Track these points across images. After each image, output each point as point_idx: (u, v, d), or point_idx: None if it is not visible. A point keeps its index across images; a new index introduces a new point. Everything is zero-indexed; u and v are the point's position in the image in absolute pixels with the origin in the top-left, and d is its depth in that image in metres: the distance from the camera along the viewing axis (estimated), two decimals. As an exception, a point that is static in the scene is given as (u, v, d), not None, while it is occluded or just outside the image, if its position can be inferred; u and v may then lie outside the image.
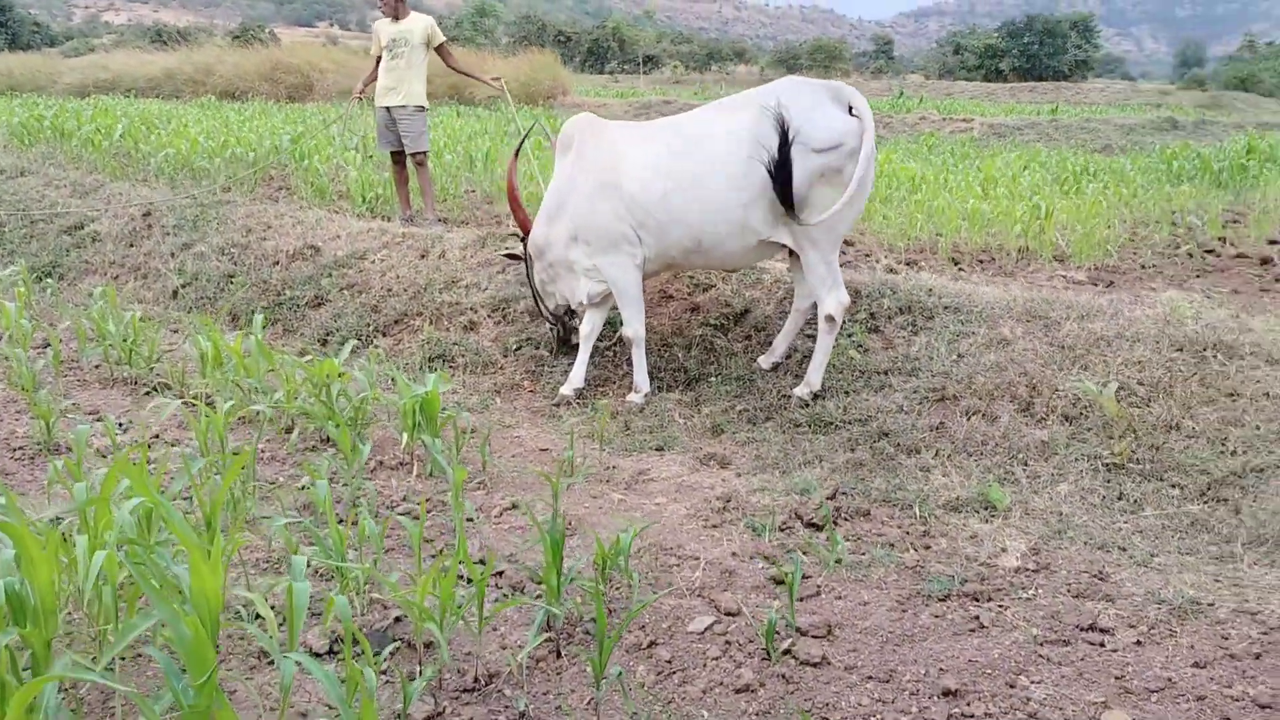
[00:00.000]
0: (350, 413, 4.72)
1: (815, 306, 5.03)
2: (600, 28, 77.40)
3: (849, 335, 5.27)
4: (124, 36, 63.03)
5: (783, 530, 3.75)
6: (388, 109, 7.94)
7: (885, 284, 5.57)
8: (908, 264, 7.02)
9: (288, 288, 6.95)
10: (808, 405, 4.87)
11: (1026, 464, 4.14)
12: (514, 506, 4.00)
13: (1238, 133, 21.86)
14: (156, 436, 4.81)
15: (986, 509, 3.87)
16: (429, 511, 3.91)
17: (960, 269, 6.94)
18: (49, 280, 7.86)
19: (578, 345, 5.51)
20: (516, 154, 5.86)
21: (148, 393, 5.51)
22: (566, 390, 5.41)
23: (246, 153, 10.30)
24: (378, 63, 7.99)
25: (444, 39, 8.00)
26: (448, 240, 7.13)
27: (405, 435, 4.41)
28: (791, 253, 5.03)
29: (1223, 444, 4.02)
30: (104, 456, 4.50)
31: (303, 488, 4.17)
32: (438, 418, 4.42)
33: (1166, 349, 4.61)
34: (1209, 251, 7.66)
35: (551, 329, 5.90)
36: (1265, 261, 7.40)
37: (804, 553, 3.54)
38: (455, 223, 8.50)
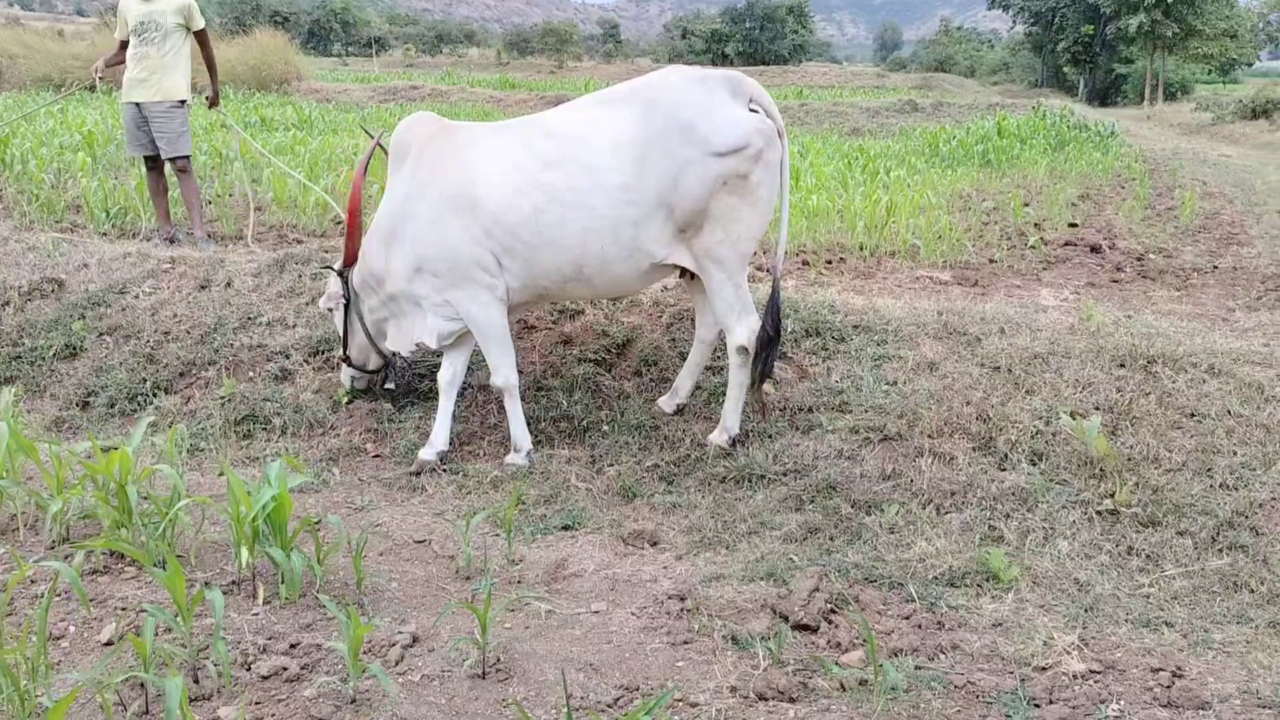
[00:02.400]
0: (154, 519, 3.55)
1: (720, 335, 4.33)
2: (321, 8, 73.73)
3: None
4: None
5: (764, 639, 3.01)
6: (137, 105, 6.49)
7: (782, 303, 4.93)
8: (759, 269, 6.45)
9: (26, 335, 5.44)
10: (729, 454, 4.15)
11: (1009, 517, 3.62)
12: (415, 641, 3.03)
13: (972, 113, 23.23)
14: None
15: (989, 580, 3.30)
16: (304, 668, 2.87)
17: (820, 273, 6.44)
18: None
19: (395, 388, 4.65)
20: (365, 167, 4.71)
21: None
22: (427, 454, 4.40)
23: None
24: (122, 48, 6.51)
25: (204, 24, 6.62)
26: (232, 265, 5.85)
27: (245, 550, 3.31)
28: (689, 274, 4.28)
29: (1209, 475, 3.66)
30: None
31: (108, 642, 3.01)
32: (288, 525, 3.34)
33: (1109, 365, 4.24)
34: (1046, 242, 7.60)
35: (370, 375, 4.84)
36: (1095, 250, 7.42)
37: (813, 672, 2.82)
38: (228, 239, 7.15)
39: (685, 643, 3.01)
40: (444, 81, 29.33)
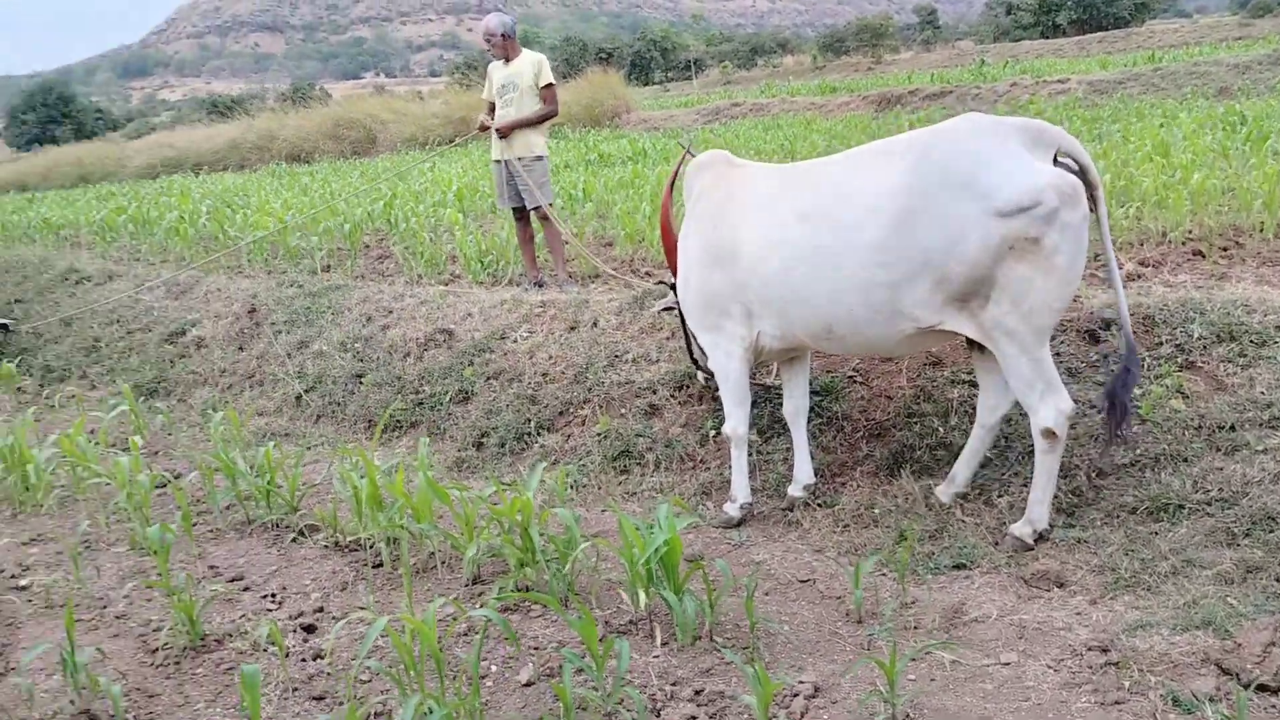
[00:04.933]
0: (554, 558, 3.76)
1: (1003, 420, 3.96)
2: (641, 39, 76.83)
3: (1158, 378, 4.13)
4: (181, 112, 64.19)
5: (1214, 700, 2.66)
6: (503, 162, 7.02)
7: (1181, 303, 4.41)
8: (1143, 265, 5.84)
9: (425, 383, 6.03)
10: (1031, 548, 3.65)
11: None
12: (817, 692, 2.97)
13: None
14: (321, 610, 3.89)
15: None
16: (712, 717, 2.89)
17: (1216, 263, 5.73)
18: (156, 401, 7.09)
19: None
20: (671, 184, 4.84)
21: (294, 539, 4.63)
22: (795, 490, 4.37)
23: (342, 224, 9.49)
24: (492, 110, 7.07)
25: (551, 80, 7.02)
26: (595, 305, 6.15)
27: (641, 592, 3.42)
28: (976, 343, 3.77)
29: None
30: (263, 651, 3.58)
31: (528, 683, 3.20)
32: (679, 569, 3.41)
33: None
34: None
35: (706, 380, 4.94)
36: None
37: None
38: (585, 278, 7.54)
39: (1116, 703, 2.73)
40: (763, 95, 29.49)
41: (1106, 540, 3.56)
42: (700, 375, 4.99)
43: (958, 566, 3.64)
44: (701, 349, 4.55)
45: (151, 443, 6.19)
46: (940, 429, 4.41)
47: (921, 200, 3.48)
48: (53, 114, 56.83)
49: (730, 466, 4.42)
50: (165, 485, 5.07)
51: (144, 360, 7.74)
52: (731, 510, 4.35)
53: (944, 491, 4.03)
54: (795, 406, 4.40)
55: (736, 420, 4.28)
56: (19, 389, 7.86)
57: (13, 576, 4.53)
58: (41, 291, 9.86)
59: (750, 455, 4.76)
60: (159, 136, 35.55)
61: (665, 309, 5.00)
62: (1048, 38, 54.77)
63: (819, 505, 4.28)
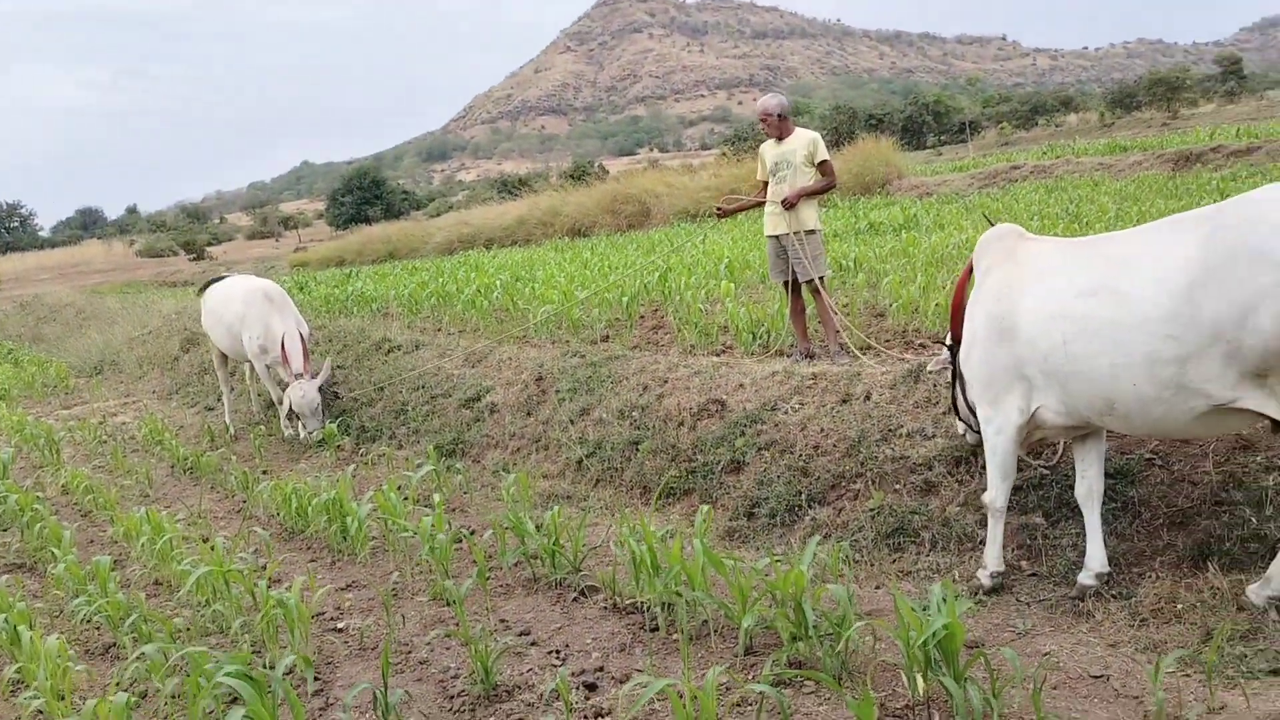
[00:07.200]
0: (827, 634, 3.76)
1: None
2: (914, 104, 75.66)
3: None
4: (475, 191, 69.67)
5: None
6: (775, 238, 7.18)
7: None
8: None
9: (699, 452, 6.20)
10: None
11: None
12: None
13: None
14: (601, 669, 4.08)
15: None
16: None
17: None
18: (454, 461, 7.70)
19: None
20: (971, 267, 4.79)
21: (575, 598, 4.88)
22: (1086, 578, 4.13)
23: (620, 297, 9.97)
24: (764, 188, 7.28)
25: (827, 156, 7.12)
26: (868, 378, 6.11)
27: (919, 678, 3.35)
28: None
29: None
30: (550, 705, 3.79)
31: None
32: (959, 655, 3.31)
33: None
34: None
35: (965, 432, 4.92)
36: None
37: None
38: (856, 349, 7.49)
39: None
40: (1045, 156, 28.23)
41: None
42: (960, 426, 4.98)
43: (1275, 672, 3.30)
44: (970, 409, 4.54)
45: (450, 500, 6.72)
46: (1253, 519, 4.03)
47: (1212, 271, 3.34)
48: (367, 196, 63.14)
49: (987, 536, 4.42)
50: (462, 540, 5.51)
51: (444, 423, 8.44)
52: (983, 577, 4.37)
53: (1257, 593, 3.67)
54: (1088, 488, 4.20)
55: (998, 493, 4.29)
56: (339, 447, 8.77)
57: (332, 619, 5.05)
58: (359, 359, 10.99)
59: (1035, 538, 4.58)
60: (456, 215, 38.86)
61: (940, 369, 5.07)
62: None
63: (1113, 597, 4.02)
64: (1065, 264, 3.93)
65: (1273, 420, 3.41)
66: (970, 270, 4.62)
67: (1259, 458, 4.26)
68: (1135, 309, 3.53)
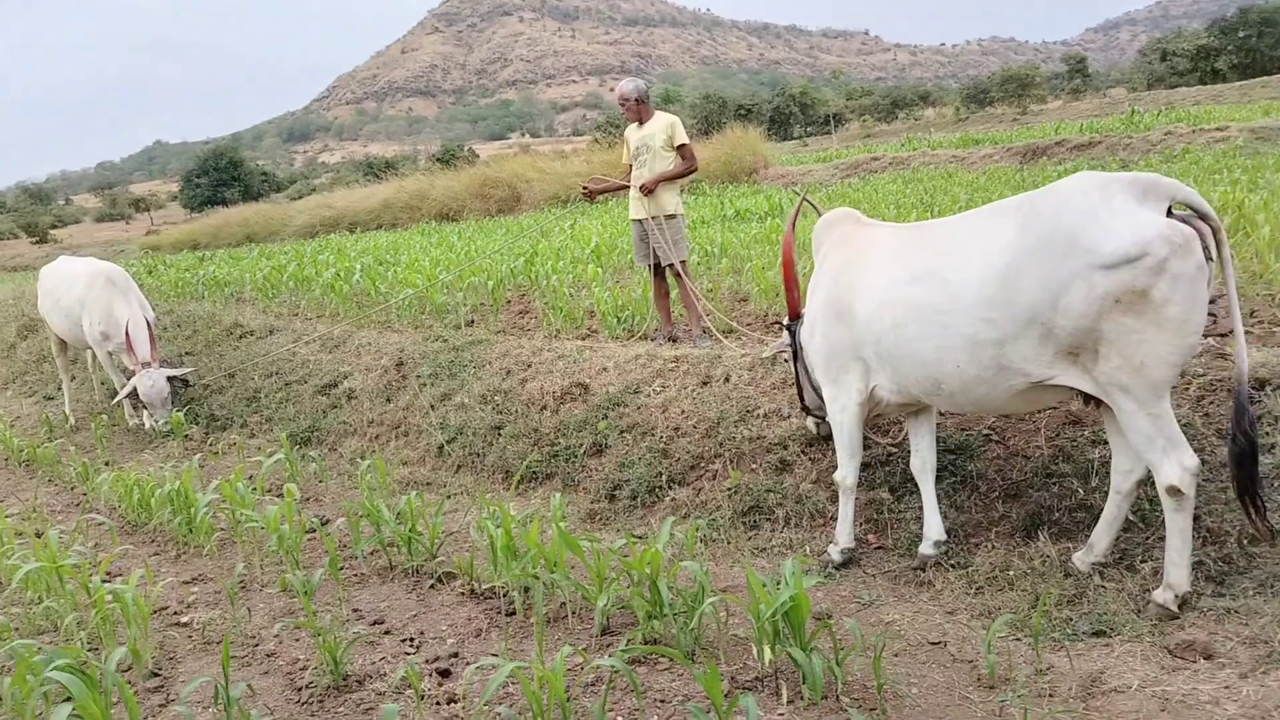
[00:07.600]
0: (682, 612, 3.80)
1: (1139, 486, 3.78)
2: (781, 95, 77.05)
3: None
4: (340, 174, 67.85)
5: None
6: (639, 221, 7.21)
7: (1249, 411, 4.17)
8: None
9: (561, 435, 6.19)
10: (1176, 616, 3.47)
11: None
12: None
13: None
14: (456, 655, 4.03)
15: None
16: (839, 779, 2.87)
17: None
18: (309, 449, 7.48)
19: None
20: (793, 224, 5.05)
21: (432, 585, 4.81)
22: (926, 548, 4.30)
23: (485, 281, 9.85)
24: (629, 171, 7.29)
25: (686, 140, 7.18)
26: (728, 361, 6.20)
27: (767, 648, 3.42)
28: (1094, 399, 3.67)
29: None
30: (401, 694, 3.73)
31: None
32: (806, 626, 3.40)
33: None
34: None
35: (817, 426, 5.11)
36: None
37: None
38: (719, 333, 7.60)
39: (1268, 785, 2.58)
40: (903, 148, 29.18)
41: (1259, 611, 3.38)
42: (810, 421, 5.16)
43: (1097, 634, 3.51)
44: (817, 394, 4.68)
45: (305, 489, 6.53)
46: (1080, 490, 4.27)
47: (1026, 256, 3.52)
48: (223, 177, 60.75)
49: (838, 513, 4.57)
50: (314, 530, 5.35)
51: (299, 410, 8.19)
52: (834, 553, 4.49)
53: (1081, 560, 3.89)
54: (921, 461, 4.40)
55: (847, 470, 4.45)
56: (187, 437, 8.41)
57: (175, 613, 4.85)
58: (209, 345, 10.56)
59: (882, 513, 4.73)
60: (319, 198, 37.73)
61: (778, 352, 5.26)
62: (1206, 84, 52.45)
63: (952, 566, 4.20)
64: (898, 250, 4.12)
65: (1084, 394, 3.64)
66: (790, 247, 4.81)
67: (1087, 432, 4.50)
68: (958, 294, 3.72)
